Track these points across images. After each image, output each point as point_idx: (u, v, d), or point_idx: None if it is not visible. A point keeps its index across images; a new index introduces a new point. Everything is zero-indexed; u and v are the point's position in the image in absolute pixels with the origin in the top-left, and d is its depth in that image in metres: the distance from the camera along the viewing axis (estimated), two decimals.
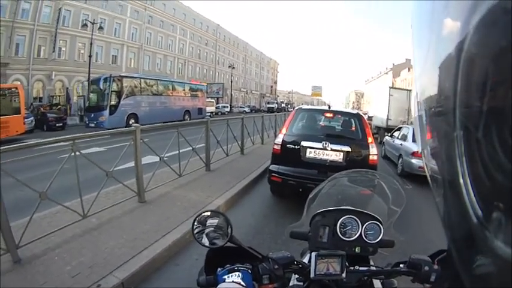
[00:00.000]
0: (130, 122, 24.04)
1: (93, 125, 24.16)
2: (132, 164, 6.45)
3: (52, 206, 5.14)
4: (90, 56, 34.99)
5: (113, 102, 24.80)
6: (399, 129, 13.69)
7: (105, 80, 24.74)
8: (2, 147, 4.08)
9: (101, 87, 24.54)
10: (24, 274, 3.78)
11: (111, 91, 24.76)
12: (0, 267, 3.65)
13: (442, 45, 0.62)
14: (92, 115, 24.68)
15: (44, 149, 5.42)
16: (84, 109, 29.51)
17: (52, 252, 4.28)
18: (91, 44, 36.21)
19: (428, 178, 0.78)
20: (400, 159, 11.57)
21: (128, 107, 25.99)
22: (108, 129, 19.20)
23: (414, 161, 10.24)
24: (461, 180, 0.56)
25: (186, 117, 32.84)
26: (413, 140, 10.96)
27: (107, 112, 24.15)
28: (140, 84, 28.22)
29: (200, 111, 35.89)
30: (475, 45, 0.51)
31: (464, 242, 0.65)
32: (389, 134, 14.84)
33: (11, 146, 4.30)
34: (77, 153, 4.98)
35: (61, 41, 39.90)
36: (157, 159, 7.20)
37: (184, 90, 34.72)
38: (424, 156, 0.83)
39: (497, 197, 0.50)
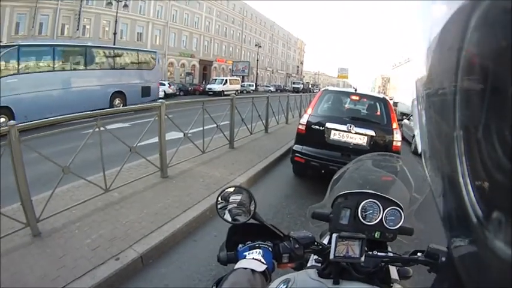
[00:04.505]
0: None
1: None
2: (155, 139, 6.48)
3: (75, 180, 5.21)
4: (115, 34, 35.21)
5: None
6: None
7: None
8: (27, 124, 4.14)
9: None
10: (43, 247, 3.84)
11: None
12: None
13: (442, 45, 0.63)
14: None
15: (68, 124, 5.47)
16: None
17: (73, 225, 4.35)
18: (116, 21, 36.42)
19: (428, 178, 0.79)
20: (414, 139, 12.97)
21: None
22: None
23: None
24: (461, 180, 0.57)
25: (117, 102, 20.63)
26: None
27: None
28: (18, 56, 15.66)
29: (147, 91, 23.11)
30: (475, 45, 0.51)
31: (464, 242, 0.65)
32: (407, 118, 16.38)
33: (37, 121, 4.37)
34: (101, 128, 5.02)
35: (85, 19, 40.11)
36: (181, 135, 7.21)
37: (114, 60, 21.38)
38: (423, 156, 0.83)
39: (497, 196, 0.50)
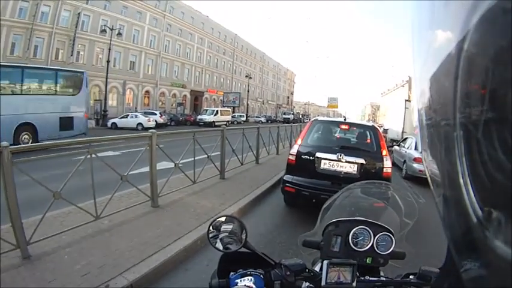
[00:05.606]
0: None
1: None
2: (146, 169, 6.48)
3: (65, 206, 5.19)
4: (108, 62, 35.61)
5: None
6: (405, 139, 15.75)
7: None
8: (20, 146, 4.15)
9: None
10: (33, 270, 3.82)
11: None
12: (1, 264, 3.67)
13: (442, 45, 0.62)
14: None
15: (60, 149, 5.49)
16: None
17: (62, 250, 4.32)
18: (109, 49, 36.70)
19: (428, 178, 0.77)
20: (405, 164, 13.42)
21: None
22: None
23: (415, 165, 12.16)
24: (461, 180, 0.56)
25: (25, 137, 16.02)
26: (416, 148, 12.90)
27: None
28: None
29: (67, 123, 18.06)
30: (475, 45, 0.51)
31: (464, 242, 0.64)
32: (397, 144, 16.79)
33: (29, 145, 4.38)
34: (93, 155, 5.04)
35: (79, 45, 40.76)
36: (172, 165, 7.23)
37: (21, 83, 16.57)
38: (424, 156, 0.82)
39: (497, 197, 0.50)
